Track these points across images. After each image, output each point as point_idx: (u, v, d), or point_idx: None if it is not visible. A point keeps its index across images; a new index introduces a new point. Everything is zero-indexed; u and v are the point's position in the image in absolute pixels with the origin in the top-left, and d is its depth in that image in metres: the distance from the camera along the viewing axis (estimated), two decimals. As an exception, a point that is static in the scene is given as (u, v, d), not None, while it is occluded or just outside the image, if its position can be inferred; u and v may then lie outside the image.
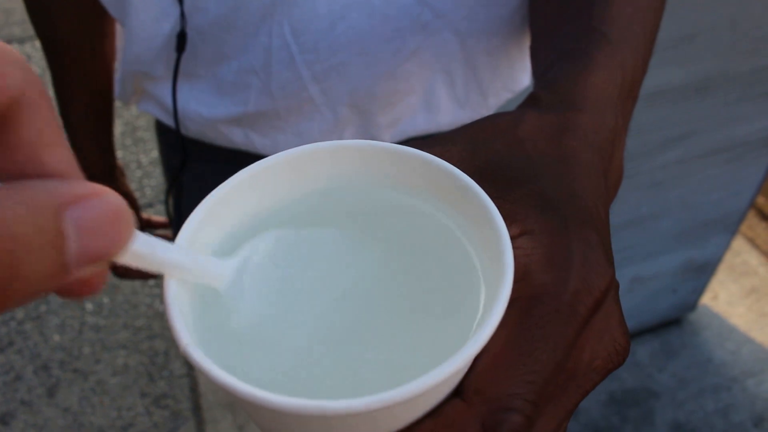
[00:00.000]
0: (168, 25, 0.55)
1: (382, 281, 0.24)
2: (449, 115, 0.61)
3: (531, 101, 0.31)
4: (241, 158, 0.63)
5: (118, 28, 0.67)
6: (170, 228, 0.82)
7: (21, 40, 2.33)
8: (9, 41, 2.34)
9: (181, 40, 0.55)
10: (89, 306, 1.67)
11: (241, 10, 0.52)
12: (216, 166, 0.66)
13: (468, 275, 0.23)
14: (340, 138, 0.61)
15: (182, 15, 0.53)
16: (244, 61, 0.55)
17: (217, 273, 0.23)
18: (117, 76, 0.66)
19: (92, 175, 0.76)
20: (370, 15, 0.52)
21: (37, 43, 0.73)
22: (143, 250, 0.20)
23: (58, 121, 0.18)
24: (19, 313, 1.65)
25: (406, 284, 0.24)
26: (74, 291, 0.18)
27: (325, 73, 0.55)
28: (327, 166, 0.26)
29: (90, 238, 0.16)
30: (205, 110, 0.59)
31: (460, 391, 0.22)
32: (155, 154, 1.99)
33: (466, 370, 0.22)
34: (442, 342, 0.22)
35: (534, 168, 0.26)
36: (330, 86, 0.56)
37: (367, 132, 0.60)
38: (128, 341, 1.60)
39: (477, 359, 0.22)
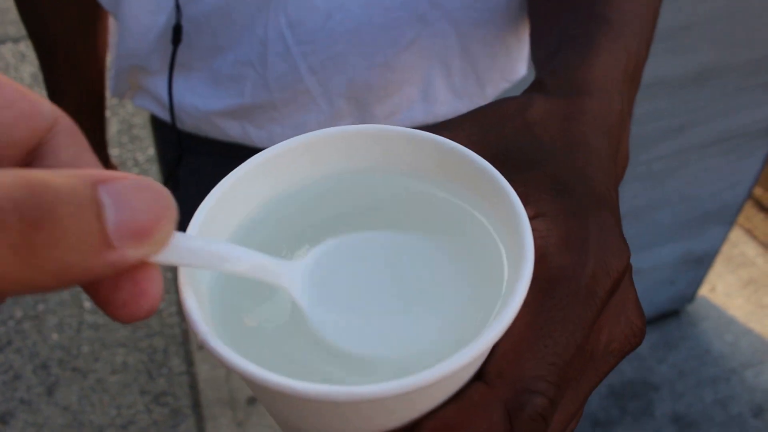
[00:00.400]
0: (163, 18, 0.55)
1: (406, 265, 0.23)
2: (446, 106, 0.61)
3: (537, 87, 0.31)
4: (238, 151, 0.63)
5: (111, 23, 0.67)
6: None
7: (15, 39, 2.33)
8: (4, 40, 2.33)
9: (177, 33, 0.55)
10: (87, 304, 1.66)
11: (237, 1, 0.52)
12: (212, 160, 0.66)
13: (491, 254, 0.23)
14: None
15: (177, 7, 0.53)
16: (240, 52, 0.55)
17: (277, 271, 0.22)
18: (111, 71, 0.66)
19: None
20: (367, 5, 0.52)
21: (32, 42, 0.73)
22: (197, 244, 0.19)
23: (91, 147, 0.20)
24: (18, 312, 1.65)
25: (430, 266, 0.23)
26: (128, 302, 0.17)
27: (321, 65, 0.55)
28: (342, 151, 0.25)
29: (127, 208, 0.15)
30: (200, 103, 0.59)
31: (482, 375, 0.22)
32: (152, 151, 1.99)
33: (486, 354, 0.22)
34: (469, 323, 0.22)
35: (545, 151, 0.26)
36: (327, 77, 0.56)
37: (364, 123, 0.60)
38: (127, 339, 1.60)
39: (498, 342, 0.22)
